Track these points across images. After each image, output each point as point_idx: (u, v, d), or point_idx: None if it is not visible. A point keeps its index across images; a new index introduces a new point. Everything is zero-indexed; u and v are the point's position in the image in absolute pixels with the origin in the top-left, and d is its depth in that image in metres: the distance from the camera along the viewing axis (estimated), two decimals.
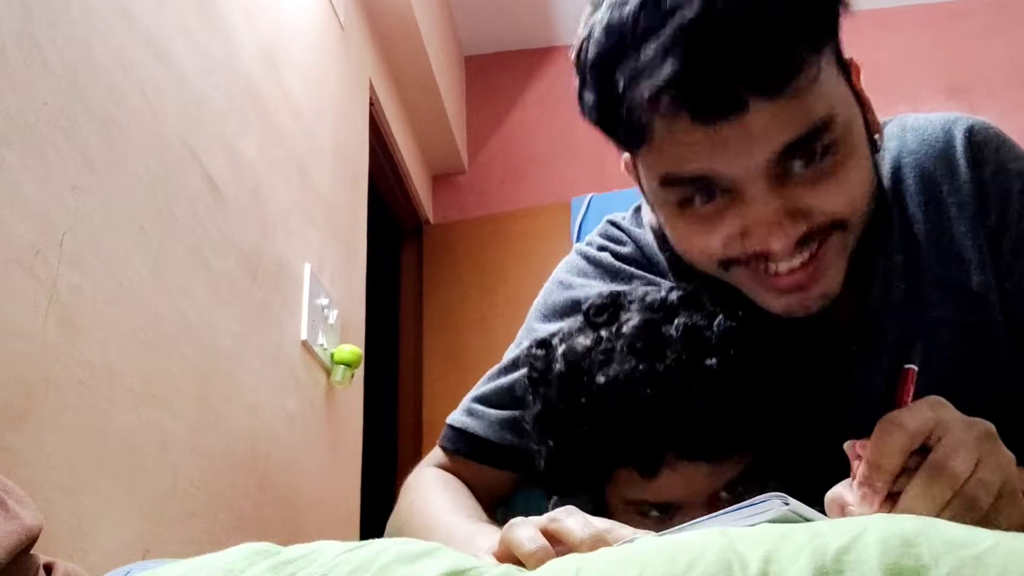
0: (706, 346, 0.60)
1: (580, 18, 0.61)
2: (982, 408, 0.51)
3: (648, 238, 0.79)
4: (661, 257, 0.77)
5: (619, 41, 0.55)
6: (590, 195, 3.19)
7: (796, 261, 0.60)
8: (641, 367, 0.59)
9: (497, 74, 3.65)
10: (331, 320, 1.86)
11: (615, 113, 0.58)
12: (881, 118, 0.67)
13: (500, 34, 3.60)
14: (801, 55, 0.54)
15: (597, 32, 0.57)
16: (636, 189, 0.70)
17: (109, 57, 1.10)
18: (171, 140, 1.24)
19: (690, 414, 0.58)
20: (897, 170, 0.68)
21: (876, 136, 0.64)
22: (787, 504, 0.48)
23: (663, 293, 0.66)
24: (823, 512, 0.53)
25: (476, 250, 3.08)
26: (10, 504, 0.57)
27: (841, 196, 0.59)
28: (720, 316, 0.62)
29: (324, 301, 1.83)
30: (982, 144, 0.67)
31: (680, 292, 0.66)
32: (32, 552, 0.59)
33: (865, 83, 0.65)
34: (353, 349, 1.86)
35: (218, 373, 1.32)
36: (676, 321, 0.61)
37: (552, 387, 0.64)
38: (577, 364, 0.62)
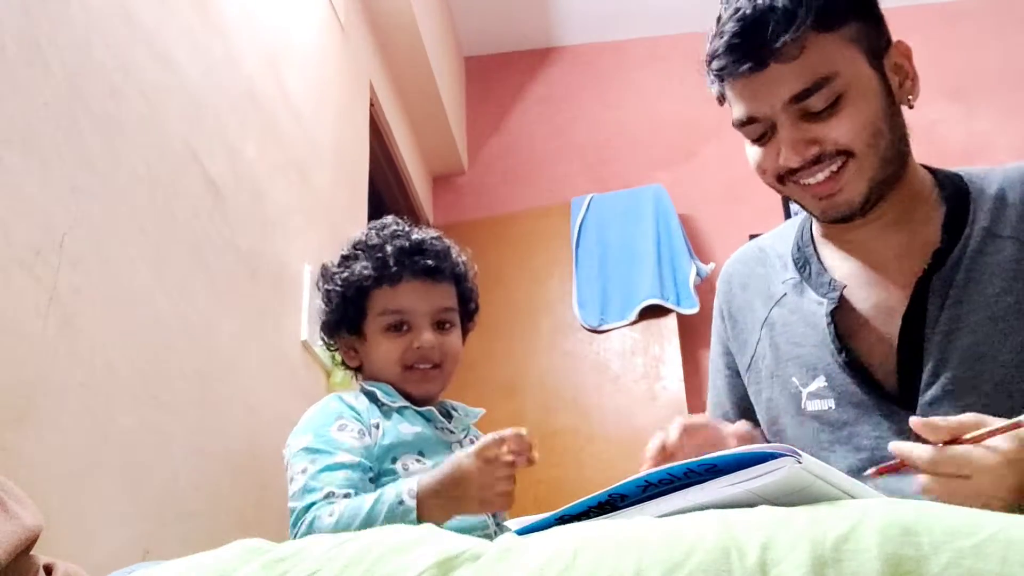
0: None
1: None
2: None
3: None
4: None
5: (715, 34, 0.88)
6: (590, 195, 3.19)
7: (820, 176, 0.86)
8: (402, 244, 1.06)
9: (497, 75, 3.65)
10: None
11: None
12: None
13: (500, 35, 3.60)
14: (806, 36, 0.82)
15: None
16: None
17: (109, 57, 1.10)
18: (171, 140, 1.24)
19: (424, 251, 1.05)
20: (1002, 189, 0.90)
21: (910, 98, 0.89)
22: (800, 463, 0.48)
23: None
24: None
25: (476, 251, 3.02)
26: (10, 504, 0.57)
27: (843, 130, 0.84)
28: None
29: None
30: None
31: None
32: (32, 552, 0.59)
33: None
34: None
35: (218, 374, 1.32)
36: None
37: (357, 264, 1.06)
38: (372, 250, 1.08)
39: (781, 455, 0.48)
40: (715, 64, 0.87)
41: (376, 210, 2.61)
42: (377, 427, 0.96)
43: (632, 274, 2.93)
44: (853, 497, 0.49)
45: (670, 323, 2.87)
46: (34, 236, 0.92)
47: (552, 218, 3.13)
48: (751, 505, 0.46)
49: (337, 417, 0.97)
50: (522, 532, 0.57)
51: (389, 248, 1.03)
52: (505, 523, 0.95)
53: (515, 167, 3.47)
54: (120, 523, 1.02)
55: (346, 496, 0.88)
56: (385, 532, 0.48)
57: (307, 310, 1.73)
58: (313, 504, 0.88)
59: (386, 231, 1.06)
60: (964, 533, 0.33)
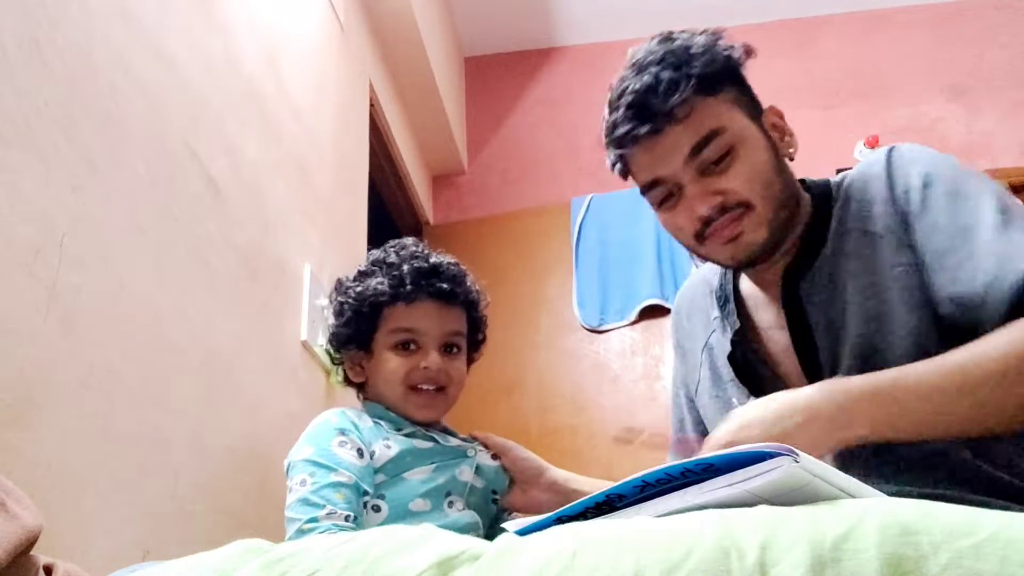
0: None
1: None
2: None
3: None
4: None
5: (611, 111, 0.96)
6: (590, 195, 3.19)
7: (726, 221, 0.92)
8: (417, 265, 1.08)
9: (497, 75, 3.65)
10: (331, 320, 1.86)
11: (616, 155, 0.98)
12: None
13: (500, 35, 3.60)
14: (692, 99, 0.90)
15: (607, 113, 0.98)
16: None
17: (109, 57, 1.10)
18: (171, 140, 1.24)
19: (440, 274, 1.08)
20: (847, 188, 0.98)
21: (791, 151, 0.97)
22: (798, 461, 0.47)
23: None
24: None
25: (476, 251, 3.07)
26: (10, 505, 0.57)
27: (739, 181, 0.91)
28: None
29: (324, 301, 1.83)
30: (896, 158, 0.95)
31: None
32: (32, 553, 0.59)
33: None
34: None
35: (218, 373, 1.32)
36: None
37: (373, 280, 1.08)
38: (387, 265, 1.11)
39: (779, 454, 0.48)
40: (617, 132, 0.93)
41: (376, 209, 2.61)
42: (373, 453, 0.99)
43: (632, 274, 2.93)
44: (852, 496, 0.49)
45: (670, 323, 2.87)
46: (34, 236, 0.92)
47: (552, 218, 3.13)
48: (749, 505, 0.46)
49: (339, 432, 0.99)
50: (521, 532, 0.57)
51: (406, 267, 1.06)
52: (504, 523, 0.96)
53: (515, 167, 3.47)
54: (120, 523, 1.02)
55: (347, 518, 0.92)
56: (385, 532, 0.48)
57: (307, 310, 1.74)
58: (315, 519, 0.91)
59: (405, 251, 1.10)
60: (964, 533, 0.33)
